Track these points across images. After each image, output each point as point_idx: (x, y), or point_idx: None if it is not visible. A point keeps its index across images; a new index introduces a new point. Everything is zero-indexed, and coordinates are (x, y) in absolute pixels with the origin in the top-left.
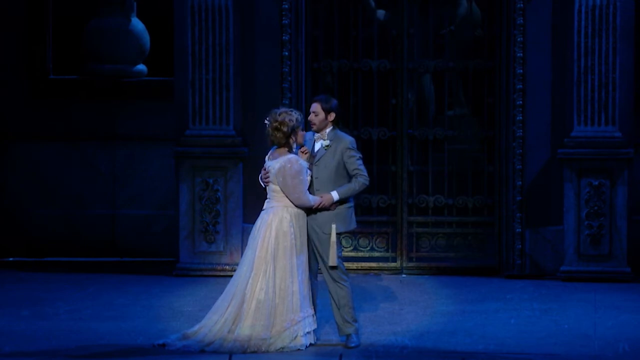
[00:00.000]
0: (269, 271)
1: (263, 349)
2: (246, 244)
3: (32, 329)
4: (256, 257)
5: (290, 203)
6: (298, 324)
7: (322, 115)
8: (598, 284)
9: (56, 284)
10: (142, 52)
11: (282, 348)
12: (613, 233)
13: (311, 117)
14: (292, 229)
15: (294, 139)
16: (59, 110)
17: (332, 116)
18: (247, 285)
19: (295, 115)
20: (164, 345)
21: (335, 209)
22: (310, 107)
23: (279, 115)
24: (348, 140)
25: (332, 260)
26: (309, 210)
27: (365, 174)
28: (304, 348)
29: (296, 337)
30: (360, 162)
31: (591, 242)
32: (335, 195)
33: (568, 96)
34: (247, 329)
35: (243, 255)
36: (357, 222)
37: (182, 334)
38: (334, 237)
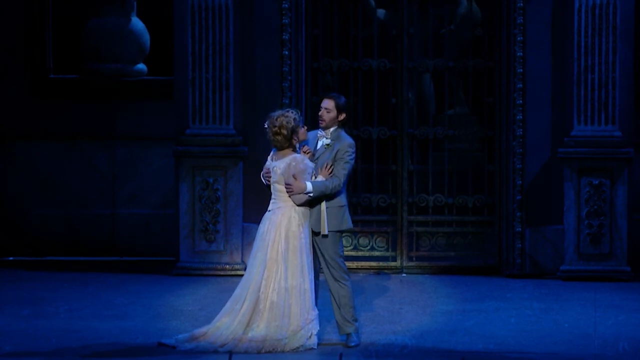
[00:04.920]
0: (280, 272)
1: (279, 349)
2: (246, 243)
3: (33, 328)
4: (267, 258)
5: None
6: (312, 323)
7: (334, 112)
8: (598, 283)
9: (56, 283)
10: (142, 51)
11: (298, 347)
12: (613, 232)
13: (322, 112)
14: (301, 228)
15: (296, 138)
16: (59, 110)
17: (342, 115)
18: (260, 287)
19: (292, 115)
20: (174, 347)
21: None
22: (321, 101)
23: (277, 119)
24: (347, 142)
25: (323, 228)
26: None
27: (342, 180)
28: (316, 347)
29: (311, 335)
30: (348, 166)
31: (591, 241)
32: (309, 185)
33: (568, 95)
34: (262, 329)
35: (252, 257)
36: (357, 221)
37: (190, 335)
38: (323, 207)
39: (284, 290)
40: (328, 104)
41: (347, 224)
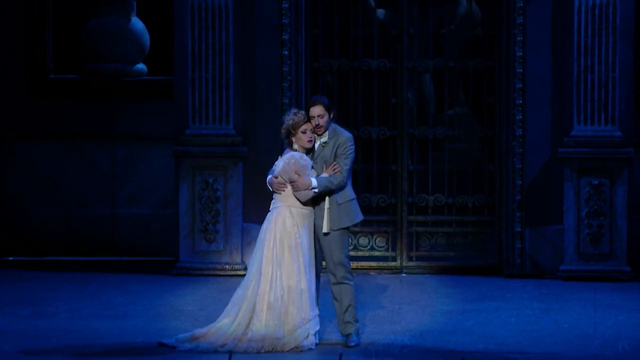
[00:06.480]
0: (276, 272)
1: (278, 348)
2: (246, 243)
3: (33, 328)
4: (263, 259)
5: (294, 202)
6: (309, 322)
7: (326, 115)
8: (598, 283)
9: (56, 283)
10: (142, 51)
11: (296, 347)
12: (613, 232)
13: (317, 120)
14: (295, 228)
15: (293, 139)
16: (59, 110)
17: (332, 113)
18: (258, 288)
19: (292, 117)
20: (174, 347)
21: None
22: (310, 111)
23: (286, 115)
24: (346, 135)
25: (325, 227)
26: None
27: (345, 175)
28: (314, 347)
29: (308, 335)
30: (349, 161)
31: (591, 241)
32: (314, 181)
33: (568, 95)
34: (261, 329)
35: (252, 258)
36: None
37: (190, 335)
38: (327, 205)
39: (280, 290)
40: (320, 110)
41: (360, 216)
